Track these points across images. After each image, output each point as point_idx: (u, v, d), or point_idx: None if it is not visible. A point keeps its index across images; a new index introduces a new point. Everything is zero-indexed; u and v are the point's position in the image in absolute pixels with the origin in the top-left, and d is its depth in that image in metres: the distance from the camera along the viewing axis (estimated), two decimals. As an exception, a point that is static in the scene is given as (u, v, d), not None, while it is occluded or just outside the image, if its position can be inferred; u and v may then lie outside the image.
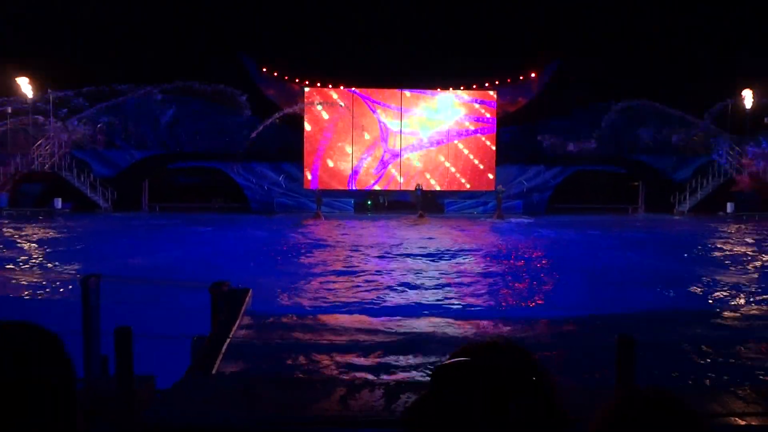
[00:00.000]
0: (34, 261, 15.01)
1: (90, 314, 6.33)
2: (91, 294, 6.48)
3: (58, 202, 27.94)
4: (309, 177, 31.67)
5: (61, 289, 11.18)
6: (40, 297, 10.77)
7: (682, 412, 1.01)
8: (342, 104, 28.85)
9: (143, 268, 12.77)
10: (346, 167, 31.91)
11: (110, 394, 3.07)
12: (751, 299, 11.24)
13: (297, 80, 32.72)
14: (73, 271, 13.01)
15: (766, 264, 15.45)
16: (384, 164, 32.03)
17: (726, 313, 9.61)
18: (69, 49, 30.74)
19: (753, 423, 3.29)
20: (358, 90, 31.83)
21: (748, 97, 31.90)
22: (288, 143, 31.73)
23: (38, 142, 28.82)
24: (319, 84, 32.08)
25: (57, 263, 14.44)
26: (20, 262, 14.59)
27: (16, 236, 19.39)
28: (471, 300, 10.83)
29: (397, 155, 32.04)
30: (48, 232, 20.68)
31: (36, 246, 17.42)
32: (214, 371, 5.24)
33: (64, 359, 1.03)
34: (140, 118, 31.51)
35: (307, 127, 31.69)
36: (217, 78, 31.33)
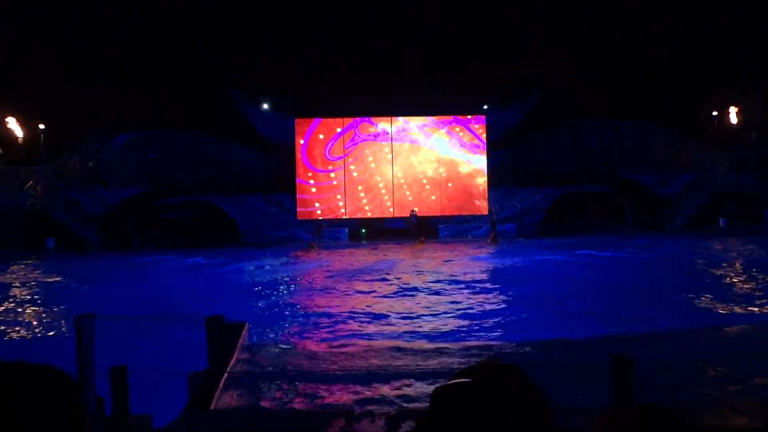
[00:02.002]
0: (25, 302, 14.86)
1: (84, 354, 6.27)
2: (85, 334, 6.43)
3: (51, 242, 27.78)
4: (301, 207, 31.67)
5: (53, 331, 11.07)
6: (34, 336, 10.64)
7: (676, 428, 1.01)
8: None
9: (137, 306, 12.67)
10: (337, 196, 31.96)
11: (108, 435, 3.03)
12: (747, 313, 11.28)
13: (285, 111, 32.91)
14: (65, 311, 12.89)
15: (756, 279, 15.50)
16: (376, 191, 32.12)
17: (724, 329, 9.62)
18: (60, 90, 30.88)
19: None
20: (347, 119, 32.07)
21: (733, 113, 32.41)
22: (279, 173, 31.78)
23: (28, 184, 28.76)
24: (307, 115, 32.31)
25: (48, 304, 14.30)
26: (11, 303, 14.45)
27: (7, 278, 19.22)
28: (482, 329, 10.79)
29: (388, 182, 32.16)
30: (39, 273, 20.52)
31: (28, 288, 17.26)
32: (212, 407, 5.19)
33: (80, 406, 1.03)
34: (129, 154, 31.55)
35: (299, 158, 31.81)
36: (206, 111, 31.51)
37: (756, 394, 5.96)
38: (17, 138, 30.03)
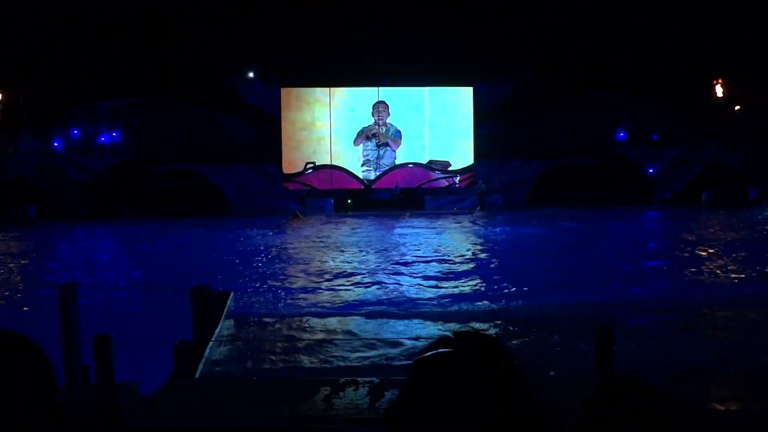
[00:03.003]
0: (10, 271, 14.75)
1: (69, 323, 6.25)
2: (69, 302, 6.40)
3: (32, 210, 27.46)
4: (288, 177, 31.53)
5: (36, 300, 11.00)
6: (19, 309, 10.58)
7: (658, 399, 1.02)
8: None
9: (123, 274, 12.63)
10: (324, 167, 31.82)
11: (92, 403, 3.04)
12: (725, 285, 11.46)
13: (273, 80, 32.49)
14: (51, 280, 12.82)
15: (736, 250, 15.72)
16: (362, 163, 32.02)
17: (700, 301, 9.78)
18: (42, 55, 30.22)
19: (732, 408, 3.36)
20: (334, 88, 31.79)
21: (718, 89, 32.45)
22: (266, 143, 31.52)
23: (9, 151, 28.30)
24: (295, 83, 31.94)
25: (34, 273, 14.21)
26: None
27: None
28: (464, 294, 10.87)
29: (374, 153, 32.03)
30: (23, 242, 20.33)
31: (11, 256, 17.11)
32: (197, 375, 5.22)
33: (44, 366, 1.02)
34: (115, 122, 31.07)
35: (285, 126, 31.56)
36: (193, 81, 31.04)
37: (736, 364, 6.10)
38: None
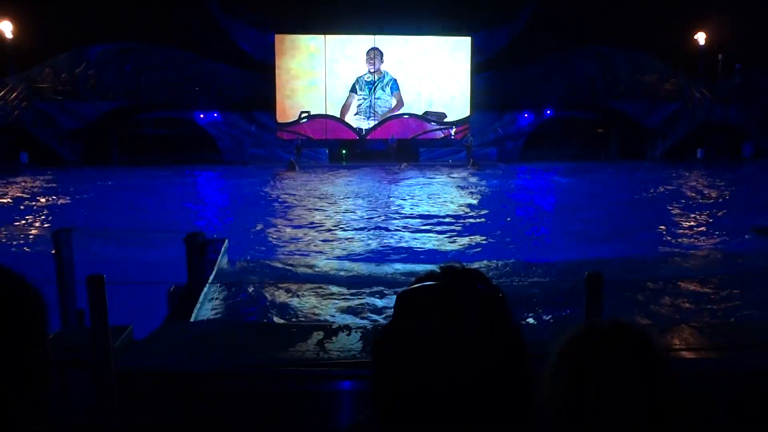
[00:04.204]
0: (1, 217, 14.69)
1: (63, 268, 6.27)
2: (64, 248, 6.41)
3: (24, 157, 27.19)
4: (282, 126, 31.22)
5: (31, 246, 11.01)
6: (15, 251, 10.59)
7: (642, 340, 1.04)
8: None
9: (117, 221, 12.61)
10: (319, 117, 31.48)
11: (86, 343, 3.08)
12: (703, 240, 11.58)
13: (266, 26, 31.77)
14: (45, 226, 12.80)
15: (719, 206, 15.81)
16: (358, 113, 31.69)
17: (682, 255, 9.89)
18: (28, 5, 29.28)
19: (710, 356, 3.43)
20: (329, 36, 31.16)
21: (701, 38, 31.86)
22: (259, 91, 31.06)
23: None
24: (289, 30, 31.25)
25: (27, 218, 14.17)
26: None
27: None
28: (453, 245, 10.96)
29: (369, 104, 31.68)
30: (14, 188, 20.20)
31: (5, 202, 17.03)
32: (192, 319, 5.28)
33: (31, 299, 1.01)
34: (105, 67, 30.41)
35: (279, 74, 31.05)
36: (185, 26, 30.29)
37: (717, 315, 6.22)
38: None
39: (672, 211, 15.05)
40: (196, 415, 3.20)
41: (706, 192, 18.86)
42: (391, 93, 31.68)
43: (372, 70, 31.47)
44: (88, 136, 28.97)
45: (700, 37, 31.91)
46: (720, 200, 17.17)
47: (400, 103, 31.64)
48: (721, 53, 31.78)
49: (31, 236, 11.86)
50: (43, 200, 17.36)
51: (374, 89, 31.57)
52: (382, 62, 31.52)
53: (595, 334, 1.05)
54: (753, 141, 30.50)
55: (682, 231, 12.49)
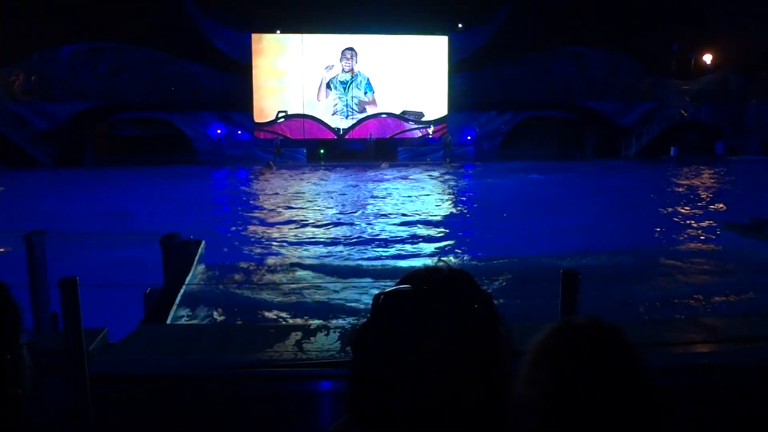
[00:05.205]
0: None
1: (36, 271, 6.16)
2: (36, 251, 6.30)
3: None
4: (260, 126, 31.02)
5: (2, 249, 10.78)
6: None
7: (616, 337, 1.05)
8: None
9: (91, 224, 12.42)
10: (296, 116, 31.34)
11: (60, 347, 3.03)
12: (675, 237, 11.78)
13: (242, 26, 31.55)
14: (17, 229, 12.53)
15: (696, 204, 16.11)
16: (335, 113, 31.62)
17: (656, 250, 10.03)
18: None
19: (699, 350, 3.49)
20: (306, 35, 31.05)
21: (675, 40, 32.49)
22: (236, 91, 30.83)
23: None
24: (265, 30, 31.06)
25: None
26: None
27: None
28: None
29: (346, 103, 31.63)
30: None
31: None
32: (168, 322, 5.21)
33: (4, 300, 1.00)
34: (78, 67, 29.91)
35: (256, 74, 30.85)
36: (160, 25, 29.96)
37: (692, 310, 6.33)
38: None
39: (647, 208, 15.27)
40: (173, 418, 3.17)
41: (678, 189, 19.21)
42: (365, 92, 31.66)
43: (347, 69, 31.41)
44: (60, 137, 28.48)
45: (676, 38, 32.51)
46: (692, 197, 17.49)
47: (374, 103, 31.64)
48: (693, 53, 32.40)
49: (1, 238, 11.61)
50: (14, 202, 17.02)
51: (348, 88, 31.52)
52: (357, 62, 31.48)
53: (572, 332, 1.06)
54: (725, 139, 31.13)
55: (657, 228, 12.67)
